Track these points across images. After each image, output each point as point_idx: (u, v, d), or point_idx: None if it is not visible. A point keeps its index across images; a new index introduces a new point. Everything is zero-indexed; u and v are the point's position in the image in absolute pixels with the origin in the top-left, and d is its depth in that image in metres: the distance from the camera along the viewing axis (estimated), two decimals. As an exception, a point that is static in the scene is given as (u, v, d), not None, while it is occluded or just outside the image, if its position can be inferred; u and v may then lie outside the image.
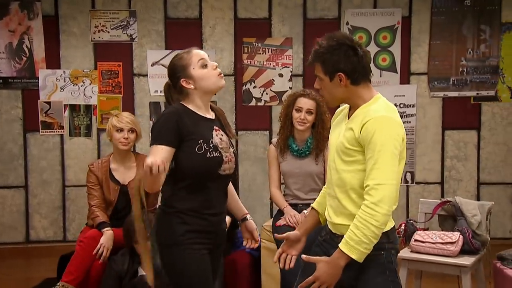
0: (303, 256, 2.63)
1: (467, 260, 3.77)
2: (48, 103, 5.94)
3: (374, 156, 2.47)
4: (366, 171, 2.50)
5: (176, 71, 2.90)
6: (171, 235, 2.85)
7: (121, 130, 4.35)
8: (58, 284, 3.99)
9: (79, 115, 5.97)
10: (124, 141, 4.34)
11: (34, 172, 6.03)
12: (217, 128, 2.95)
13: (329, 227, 2.76)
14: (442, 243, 3.83)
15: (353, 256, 2.47)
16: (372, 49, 5.78)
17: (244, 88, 5.95)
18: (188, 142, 2.81)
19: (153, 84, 5.96)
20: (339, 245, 2.51)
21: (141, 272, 3.94)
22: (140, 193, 2.70)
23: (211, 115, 2.98)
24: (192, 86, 2.88)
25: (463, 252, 3.85)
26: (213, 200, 2.91)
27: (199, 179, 2.84)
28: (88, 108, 5.97)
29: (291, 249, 2.88)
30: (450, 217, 4.14)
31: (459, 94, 5.91)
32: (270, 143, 4.51)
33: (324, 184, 4.16)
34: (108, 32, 5.94)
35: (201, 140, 2.83)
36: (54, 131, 5.98)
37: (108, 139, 4.51)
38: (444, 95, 5.93)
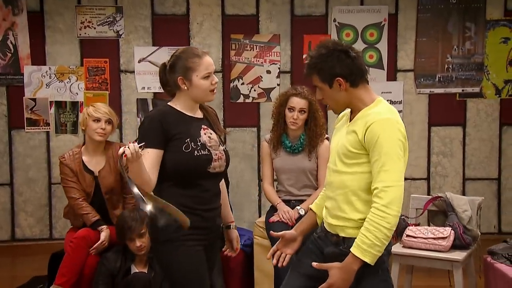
0: (314, 264, 2.63)
1: (459, 255, 3.81)
2: (34, 99, 5.88)
3: (380, 158, 2.49)
4: (373, 174, 2.52)
5: (179, 69, 2.90)
6: (164, 232, 2.85)
7: (98, 120, 4.23)
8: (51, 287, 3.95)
9: (65, 112, 5.92)
10: (100, 132, 4.22)
11: (19, 170, 5.96)
12: (205, 127, 2.97)
13: (324, 225, 2.78)
14: (434, 238, 3.87)
15: (366, 260, 2.49)
16: (359, 46, 5.79)
17: (232, 84, 5.95)
18: (174, 142, 2.84)
19: (140, 81, 5.93)
20: (351, 249, 2.51)
21: (134, 269, 3.92)
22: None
23: (199, 115, 3.00)
24: (186, 88, 2.90)
25: (455, 247, 3.89)
26: (205, 197, 2.92)
27: (188, 177, 2.86)
28: (75, 105, 5.92)
29: (286, 247, 2.89)
30: (440, 213, 4.18)
31: (445, 90, 5.97)
32: (261, 140, 4.51)
33: (317, 180, 4.24)
34: (95, 28, 5.89)
35: (188, 139, 2.85)
36: (39, 128, 5.92)
37: (82, 129, 4.37)
38: (430, 91, 5.98)
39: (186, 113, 2.93)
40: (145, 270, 3.92)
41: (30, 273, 5.16)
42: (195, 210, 2.87)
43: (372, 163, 2.53)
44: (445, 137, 6.03)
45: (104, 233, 4.08)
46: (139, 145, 2.61)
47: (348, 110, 2.79)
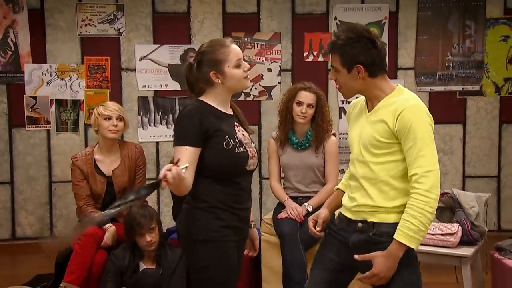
0: (356, 256, 2.61)
1: (467, 251, 3.82)
2: (34, 98, 5.85)
3: (416, 144, 2.49)
4: (409, 160, 2.51)
5: (209, 64, 2.81)
6: (205, 231, 2.76)
7: (109, 118, 4.22)
8: (61, 285, 3.91)
9: (66, 110, 5.90)
10: (113, 129, 4.21)
11: (20, 168, 5.93)
12: (237, 124, 2.91)
13: (344, 214, 2.77)
14: (441, 234, 3.88)
15: (412, 246, 2.50)
16: (360, 44, 5.82)
17: (233, 82, 5.93)
18: (214, 138, 2.75)
19: (141, 79, 5.91)
20: (395, 237, 2.50)
21: (142, 266, 3.91)
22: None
23: (230, 111, 2.93)
24: (220, 82, 2.81)
25: (462, 243, 3.89)
26: (242, 195, 2.86)
27: (228, 175, 2.78)
28: (75, 103, 5.90)
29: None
30: (447, 209, 4.19)
31: (445, 88, 6.00)
32: (262, 138, 4.51)
33: (324, 177, 4.24)
34: (95, 26, 5.87)
35: (227, 136, 2.77)
36: (40, 126, 5.90)
37: (95, 129, 4.36)
38: (430, 89, 6.01)
39: (220, 109, 2.85)
40: (153, 267, 3.92)
41: (31, 272, 5.12)
42: (233, 209, 2.80)
43: (406, 150, 2.52)
44: (445, 134, 6.06)
45: (108, 233, 4.07)
46: (183, 167, 2.48)
47: (361, 99, 2.80)
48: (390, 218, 2.59)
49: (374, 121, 2.62)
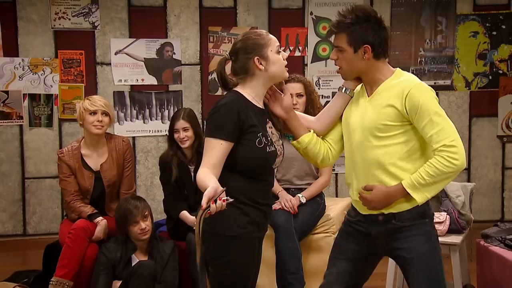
0: (362, 193, 2.68)
1: (456, 239, 3.91)
2: (6, 92, 5.73)
3: (432, 119, 2.51)
4: (430, 135, 2.52)
5: (252, 48, 2.68)
6: (231, 227, 2.67)
7: (94, 113, 4.14)
8: (52, 280, 3.82)
9: (39, 105, 5.79)
10: (98, 124, 4.13)
11: (-9, 164, 5.81)
12: (268, 119, 2.82)
13: (357, 209, 2.78)
14: (430, 223, 3.95)
15: (415, 196, 2.57)
16: (336, 39, 5.89)
17: (210, 77, 5.92)
18: (248, 135, 2.63)
19: (117, 73, 5.85)
20: (403, 182, 2.57)
21: (135, 259, 3.86)
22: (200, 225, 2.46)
23: (262, 105, 2.81)
24: (263, 68, 2.68)
25: (450, 231, 3.98)
26: (268, 191, 2.81)
27: (257, 173, 2.70)
28: (49, 97, 5.80)
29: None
30: (434, 198, 4.20)
31: (417, 83, 6.11)
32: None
33: (317, 169, 4.23)
34: (69, 19, 5.78)
35: (260, 133, 2.66)
36: (12, 122, 5.77)
37: (80, 123, 4.24)
38: (403, 84, 6.11)
39: (255, 104, 2.72)
40: (146, 259, 3.87)
41: (7, 269, 5.00)
42: (260, 205, 2.73)
43: (422, 127, 2.54)
44: (418, 128, 6.17)
45: (100, 226, 4.01)
46: (228, 199, 2.39)
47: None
48: (404, 206, 2.64)
49: (378, 105, 2.63)
